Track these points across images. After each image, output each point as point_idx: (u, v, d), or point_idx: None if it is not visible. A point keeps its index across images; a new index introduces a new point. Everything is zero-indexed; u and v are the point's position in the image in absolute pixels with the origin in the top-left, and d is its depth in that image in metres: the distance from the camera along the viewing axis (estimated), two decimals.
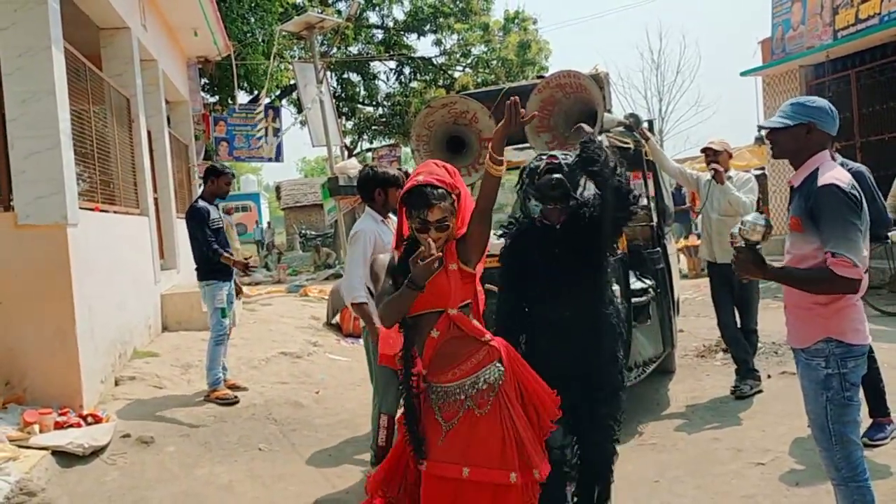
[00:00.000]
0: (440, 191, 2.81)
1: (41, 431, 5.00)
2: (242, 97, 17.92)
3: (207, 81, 16.32)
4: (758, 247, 2.89)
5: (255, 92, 18.15)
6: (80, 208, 5.81)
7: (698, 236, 9.85)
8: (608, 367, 3.56)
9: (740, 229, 2.90)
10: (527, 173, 3.60)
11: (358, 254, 4.54)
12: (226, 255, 6.27)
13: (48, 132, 5.48)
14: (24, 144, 5.46)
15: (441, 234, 2.82)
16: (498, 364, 2.89)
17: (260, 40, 15.93)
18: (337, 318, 9.65)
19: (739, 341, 5.97)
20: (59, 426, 5.12)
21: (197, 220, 6.31)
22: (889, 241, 8.25)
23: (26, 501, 4.35)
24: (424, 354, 2.87)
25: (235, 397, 6.20)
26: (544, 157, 3.60)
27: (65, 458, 4.85)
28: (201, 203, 6.43)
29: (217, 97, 17.43)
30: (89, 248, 5.72)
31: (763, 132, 3.38)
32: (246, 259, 7.02)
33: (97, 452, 5.02)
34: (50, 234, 5.47)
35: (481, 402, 2.83)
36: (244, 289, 8.01)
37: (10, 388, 5.48)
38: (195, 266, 6.45)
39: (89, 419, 5.31)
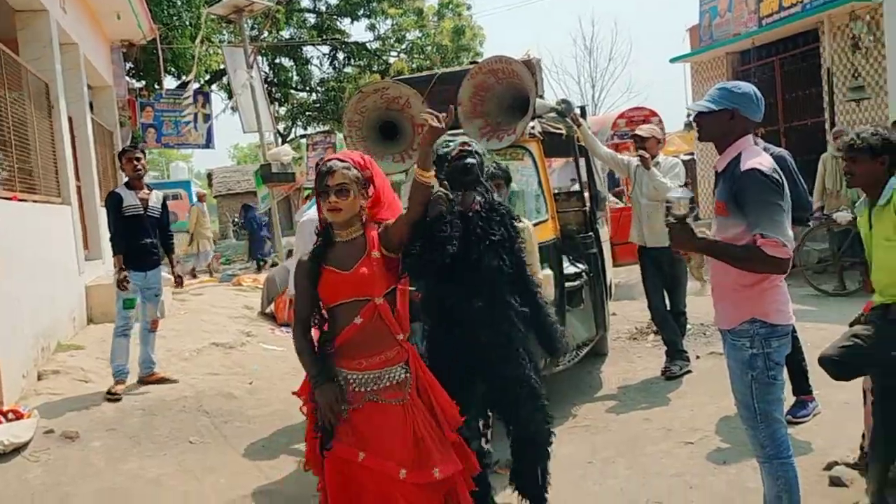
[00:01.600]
0: (344, 163, 2.88)
1: None
2: (170, 82, 17.45)
3: (132, 66, 15.81)
4: (686, 220, 2.97)
5: (183, 77, 17.68)
6: None
7: None
8: (518, 361, 3.46)
9: (667, 207, 3.00)
10: (435, 158, 3.36)
11: (306, 243, 4.52)
12: (117, 256, 6.03)
13: None
14: None
15: (340, 200, 2.82)
16: (404, 365, 2.92)
17: (187, 23, 15.47)
18: (271, 308, 9.51)
19: (669, 323, 6.10)
20: None
21: (108, 207, 6.17)
22: (810, 225, 8.55)
23: None
24: (340, 337, 2.88)
25: (118, 396, 5.88)
26: (452, 143, 3.50)
27: None
28: (118, 189, 6.27)
29: (143, 82, 16.91)
30: (8, 238, 5.49)
31: (691, 117, 3.44)
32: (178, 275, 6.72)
33: (19, 449, 4.83)
34: None
35: (387, 396, 2.87)
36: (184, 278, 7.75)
37: None
38: None
39: (10, 415, 5.09)
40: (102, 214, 7.57)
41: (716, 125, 3.02)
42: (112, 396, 5.88)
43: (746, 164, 2.88)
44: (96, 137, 10.31)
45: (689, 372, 5.97)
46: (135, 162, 6.20)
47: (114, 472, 4.72)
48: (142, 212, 6.14)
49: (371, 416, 2.85)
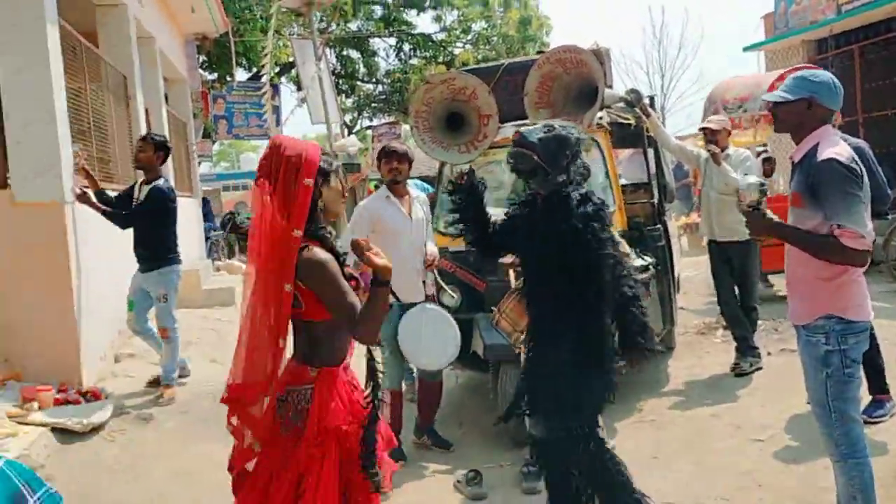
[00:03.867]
0: None
1: (40, 408, 5.01)
2: (241, 74, 17.81)
3: (205, 59, 16.19)
4: (759, 206, 2.95)
5: (254, 69, 18.02)
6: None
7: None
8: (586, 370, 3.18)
9: (738, 196, 3.01)
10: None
11: (348, 231, 4.65)
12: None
13: (44, 108, 5.44)
14: (19, 120, 5.42)
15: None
16: None
17: (258, 16, 15.77)
18: None
19: (739, 318, 5.96)
20: (58, 403, 5.13)
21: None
22: (889, 218, 8.23)
23: None
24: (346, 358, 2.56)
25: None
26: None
27: (64, 434, 4.86)
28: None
29: (215, 74, 17.31)
30: (87, 225, 5.69)
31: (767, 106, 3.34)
32: None
33: (96, 429, 5.03)
34: (47, 212, 5.44)
35: None
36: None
37: (8, 365, 5.48)
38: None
39: (89, 396, 5.32)
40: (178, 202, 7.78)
41: (793, 115, 2.95)
42: (159, 401, 5.62)
43: (824, 154, 2.81)
44: (171, 128, 10.60)
45: (759, 369, 5.83)
46: (138, 151, 5.81)
47: (185, 453, 4.87)
48: (132, 204, 5.68)
49: None
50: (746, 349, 5.91)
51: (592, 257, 3.13)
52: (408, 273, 4.65)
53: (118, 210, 5.66)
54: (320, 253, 2.40)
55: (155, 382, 5.86)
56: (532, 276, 3.36)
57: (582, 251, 3.12)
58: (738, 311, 5.97)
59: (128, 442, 5.01)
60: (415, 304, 4.69)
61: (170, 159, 10.00)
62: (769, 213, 2.97)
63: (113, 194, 5.99)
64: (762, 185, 3.00)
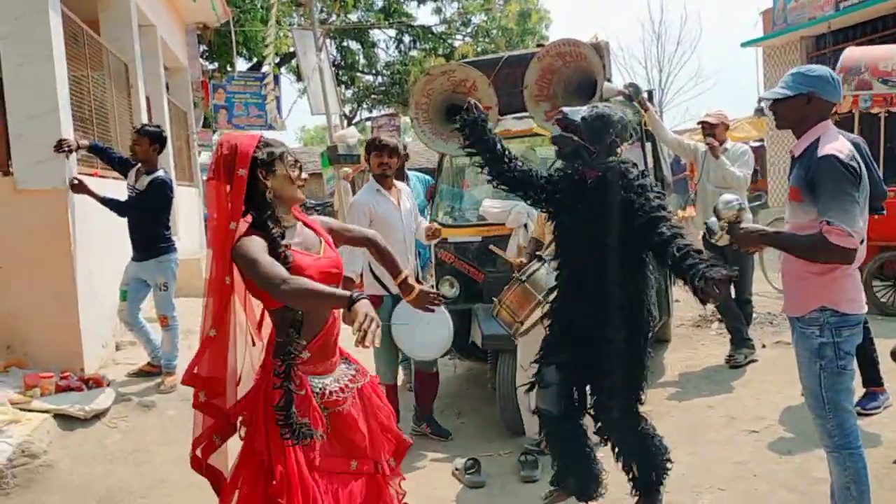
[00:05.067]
0: None
1: (42, 395, 5.05)
2: (241, 64, 17.79)
3: (206, 48, 16.18)
4: (740, 221, 3.03)
5: (254, 59, 17.99)
6: (80, 174, 5.80)
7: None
8: (627, 337, 3.37)
9: (718, 217, 3.07)
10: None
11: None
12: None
13: (46, 96, 5.46)
14: (21, 109, 5.45)
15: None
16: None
17: (258, 6, 15.76)
18: None
19: (734, 311, 6.01)
20: (60, 389, 5.17)
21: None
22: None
23: (28, 463, 4.41)
24: (319, 338, 2.55)
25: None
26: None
27: (66, 421, 4.90)
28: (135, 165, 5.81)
29: (216, 64, 17.29)
30: (89, 213, 5.72)
31: (763, 104, 3.34)
32: None
33: (99, 416, 5.08)
34: (49, 199, 5.47)
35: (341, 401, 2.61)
36: None
37: (10, 351, 5.52)
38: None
39: (91, 383, 5.36)
40: (178, 191, 7.78)
41: (793, 111, 2.97)
42: (161, 388, 5.63)
43: (824, 150, 2.83)
44: (172, 117, 10.62)
45: (754, 361, 5.89)
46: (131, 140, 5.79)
47: (187, 440, 4.86)
48: (131, 192, 5.69)
49: (341, 422, 2.60)
50: (741, 341, 5.97)
51: (650, 220, 3.20)
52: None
53: (116, 198, 5.63)
54: (245, 239, 2.44)
55: (141, 372, 5.85)
56: (574, 245, 3.42)
57: (641, 216, 3.21)
58: (733, 304, 6.02)
59: (130, 429, 5.05)
60: None
61: (171, 148, 10.05)
62: (750, 226, 3.03)
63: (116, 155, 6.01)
64: (739, 202, 3.06)
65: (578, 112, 3.38)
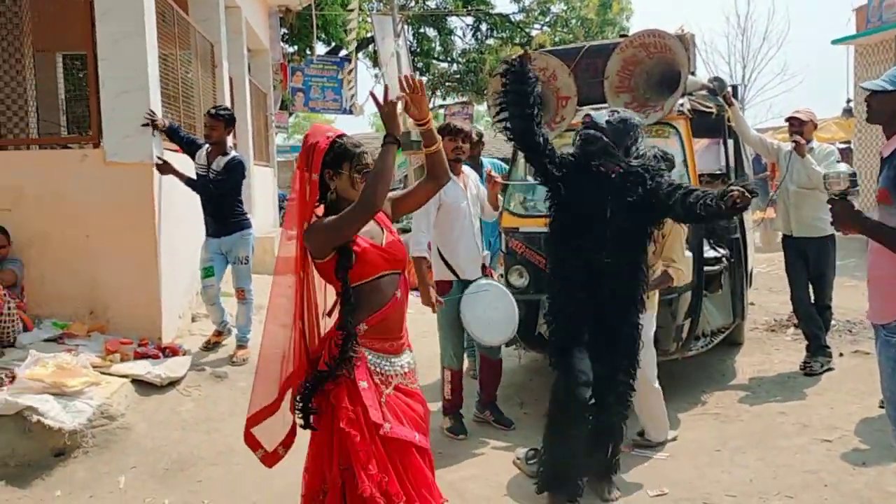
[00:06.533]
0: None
1: (122, 360, 5.25)
2: (320, 48, 18.03)
3: (286, 31, 16.45)
4: (846, 196, 2.93)
5: (333, 43, 18.22)
6: (165, 149, 5.99)
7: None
8: (630, 330, 3.85)
9: (826, 184, 2.98)
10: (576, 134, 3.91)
11: (421, 210, 4.67)
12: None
13: (137, 73, 5.66)
14: (114, 84, 5.65)
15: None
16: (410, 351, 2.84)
17: None
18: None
19: (812, 317, 5.83)
20: (138, 356, 5.36)
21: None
22: None
23: (107, 425, 4.61)
24: (379, 314, 2.64)
25: (209, 345, 6.04)
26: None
27: (143, 386, 5.09)
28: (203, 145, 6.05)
29: (295, 47, 17.56)
30: (172, 187, 5.91)
31: (851, 104, 3.22)
32: None
33: (174, 383, 5.26)
34: (136, 172, 5.67)
35: (411, 380, 2.79)
36: None
37: (93, 317, 5.75)
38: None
39: (167, 351, 5.54)
40: (255, 171, 7.95)
41: (888, 106, 2.87)
42: (205, 345, 6.03)
43: None
44: (252, 98, 10.84)
45: (830, 370, 5.70)
46: (205, 123, 6.01)
47: None
48: (204, 173, 5.87)
49: (402, 399, 2.72)
50: (818, 349, 5.78)
51: (669, 191, 3.60)
52: (467, 248, 4.79)
53: (206, 187, 5.85)
54: (316, 222, 2.62)
55: (210, 344, 6.08)
56: (584, 230, 3.75)
57: (661, 193, 3.62)
58: (812, 309, 5.84)
59: (202, 398, 5.22)
60: (472, 281, 4.75)
61: (249, 129, 10.28)
62: (853, 206, 2.92)
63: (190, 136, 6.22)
64: (853, 174, 2.97)
65: (603, 116, 3.77)
